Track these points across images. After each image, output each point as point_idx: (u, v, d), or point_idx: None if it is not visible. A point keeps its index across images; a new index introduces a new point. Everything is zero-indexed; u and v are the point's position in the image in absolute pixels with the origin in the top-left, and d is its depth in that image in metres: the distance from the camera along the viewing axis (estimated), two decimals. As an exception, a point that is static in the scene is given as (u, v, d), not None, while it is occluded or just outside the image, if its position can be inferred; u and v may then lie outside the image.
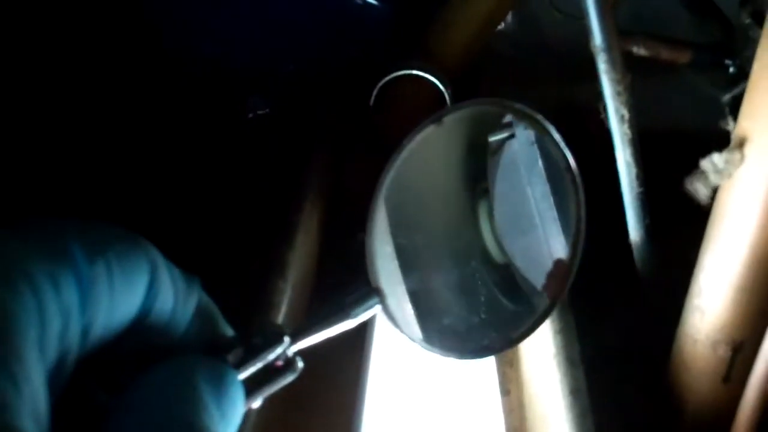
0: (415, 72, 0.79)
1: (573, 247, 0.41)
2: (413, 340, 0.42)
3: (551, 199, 0.44)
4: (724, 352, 0.52)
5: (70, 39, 0.76)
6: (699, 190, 0.52)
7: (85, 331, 0.27)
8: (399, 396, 0.62)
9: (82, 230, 0.28)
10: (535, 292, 0.44)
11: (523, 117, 0.43)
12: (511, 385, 0.63)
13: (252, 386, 0.34)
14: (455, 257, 0.47)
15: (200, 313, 0.33)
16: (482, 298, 0.46)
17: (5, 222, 0.26)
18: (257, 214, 0.70)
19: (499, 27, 0.91)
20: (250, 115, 0.84)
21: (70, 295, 0.26)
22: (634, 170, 0.56)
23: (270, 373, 0.35)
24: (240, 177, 0.76)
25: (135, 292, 0.29)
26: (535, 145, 0.44)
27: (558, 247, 0.43)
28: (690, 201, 0.53)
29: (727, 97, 0.62)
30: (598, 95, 0.60)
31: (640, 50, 0.71)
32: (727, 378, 0.53)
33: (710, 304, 0.53)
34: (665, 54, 0.71)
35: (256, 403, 0.35)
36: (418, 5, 0.86)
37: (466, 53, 0.82)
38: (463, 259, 0.47)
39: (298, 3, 0.83)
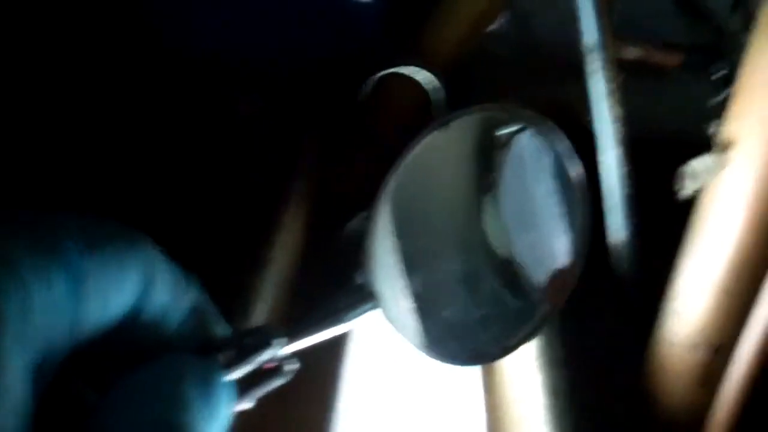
0: (405, 70, 0.78)
1: (577, 257, 0.41)
2: (411, 344, 0.42)
3: (556, 197, 0.43)
4: (701, 355, 0.52)
5: (63, 35, 0.75)
6: (686, 187, 0.52)
7: (74, 326, 0.26)
8: (378, 392, 0.62)
9: (78, 224, 0.27)
10: (536, 298, 0.43)
11: (532, 123, 0.43)
12: (490, 386, 0.63)
13: (243, 387, 0.34)
14: (458, 262, 0.47)
15: (195, 311, 0.32)
16: (483, 304, 0.46)
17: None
18: (244, 212, 0.70)
19: (491, 27, 0.90)
20: (242, 113, 0.83)
21: (59, 289, 0.25)
22: (623, 170, 0.56)
23: (262, 374, 0.35)
24: (229, 174, 0.76)
25: (129, 289, 0.28)
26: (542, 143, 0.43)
27: (561, 254, 0.42)
28: (672, 204, 0.53)
29: (715, 100, 0.62)
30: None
31: (631, 53, 0.71)
32: (703, 381, 0.52)
33: (688, 307, 0.52)
34: (656, 57, 0.71)
35: (247, 405, 0.35)
36: (411, 3, 0.85)
37: (458, 52, 0.82)
38: (466, 264, 0.47)
39: (290, 0, 0.83)
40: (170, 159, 0.75)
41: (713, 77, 0.66)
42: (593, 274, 0.61)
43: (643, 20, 0.75)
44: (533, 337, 0.43)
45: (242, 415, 0.51)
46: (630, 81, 0.56)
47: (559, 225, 0.44)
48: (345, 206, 0.64)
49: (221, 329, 0.34)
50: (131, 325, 0.29)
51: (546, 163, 0.44)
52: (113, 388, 0.28)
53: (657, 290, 0.55)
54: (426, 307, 0.44)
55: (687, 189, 0.52)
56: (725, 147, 0.50)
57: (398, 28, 0.84)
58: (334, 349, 0.62)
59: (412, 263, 0.44)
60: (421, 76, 0.78)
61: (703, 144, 0.52)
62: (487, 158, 0.47)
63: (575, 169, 0.41)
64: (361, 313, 0.39)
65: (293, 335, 0.36)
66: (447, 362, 0.43)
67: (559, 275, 0.43)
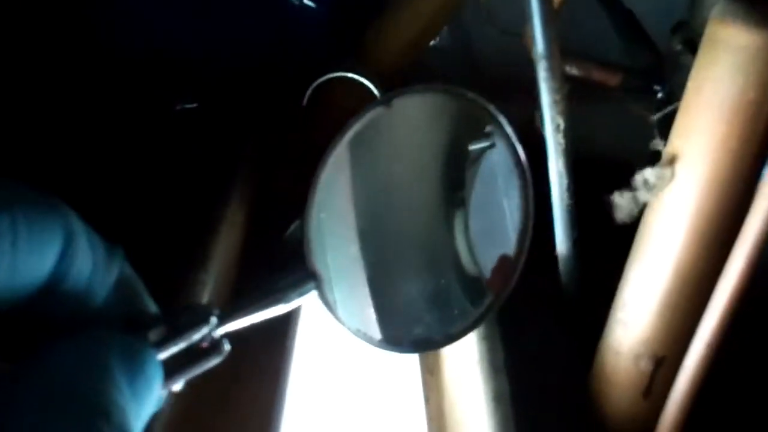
0: (349, 75, 0.78)
1: (519, 242, 0.41)
2: (349, 329, 0.41)
3: (514, 193, 0.43)
4: (645, 366, 0.52)
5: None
6: (622, 206, 0.53)
7: None
8: (319, 401, 0.60)
9: None
10: (480, 288, 0.43)
11: (475, 107, 0.42)
12: (431, 392, 0.62)
13: (173, 367, 0.32)
14: (408, 249, 0.46)
15: (121, 285, 0.31)
16: (429, 293, 0.45)
17: None
18: (182, 206, 0.68)
19: (433, 42, 0.91)
20: (178, 108, 0.82)
21: None
22: (565, 181, 0.56)
23: (194, 354, 0.33)
24: (165, 168, 0.74)
25: (45, 254, 0.27)
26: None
27: (505, 243, 0.42)
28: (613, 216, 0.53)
29: (657, 117, 0.63)
30: (534, 107, 0.60)
31: (572, 70, 0.72)
32: (647, 392, 0.53)
33: (634, 317, 0.53)
34: (596, 75, 0.72)
35: (177, 386, 0.33)
36: (355, 9, 0.85)
37: (400, 60, 0.82)
38: (415, 252, 0.46)
39: (237, 4, 0.81)
40: (108, 150, 0.73)
41: (653, 97, 0.67)
42: (537, 282, 0.61)
43: (584, 42, 0.76)
44: (476, 327, 0.43)
45: (175, 424, 0.49)
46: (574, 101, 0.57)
47: (510, 218, 0.44)
48: (286, 208, 0.63)
49: (150, 307, 0.33)
50: (52, 294, 0.27)
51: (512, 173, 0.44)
52: (29, 358, 0.26)
53: (603, 300, 0.55)
54: (370, 292, 0.43)
55: (625, 206, 0.53)
56: (670, 162, 0.51)
57: (342, 33, 0.84)
58: (275, 355, 0.60)
59: (360, 248, 0.43)
60: (363, 80, 0.77)
61: (642, 161, 0.53)
62: (457, 170, 0.47)
63: (518, 152, 0.41)
64: (299, 295, 0.38)
65: (228, 314, 0.35)
66: (389, 349, 0.43)
67: (503, 263, 0.43)
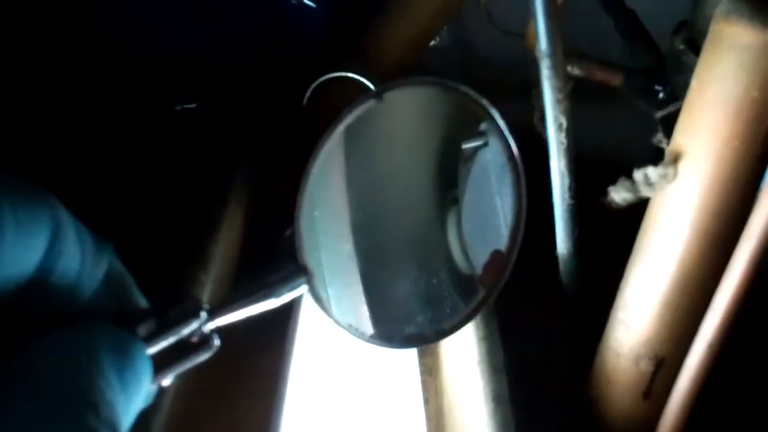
0: (349, 74, 0.77)
1: (512, 237, 0.41)
2: (340, 324, 0.40)
3: (507, 190, 0.43)
4: (646, 366, 0.52)
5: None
6: (619, 194, 0.52)
7: None
8: (318, 401, 0.60)
9: None
10: (472, 285, 0.43)
11: (468, 101, 0.42)
12: (429, 393, 0.62)
13: (163, 362, 0.32)
14: (401, 245, 0.46)
15: (111, 280, 0.31)
16: (422, 290, 0.45)
17: None
18: (182, 206, 0.68)
19: (434, 42, 0.91)
20: (177, 108, 0.81)
21: None
22: (567, 180, 0.55)
23: (184, 349, 0.33)
24: (164, 168, 0.74)
25: (33, 246, 0.26)
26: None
27: (497, 239, 0.42)
28: (616, 216, 0.53)
29: (660, 115, 0.63)
30: (533, 107, 0.60)
31: (574, 69, 0.72)
32: (648, 393, 0.53)
33: (635, 318, 0.52)
34: (598, 75, 0.72)
35: (167, 381, 0.33)
36: (354, 9, 0.85)
37: (400, 60, 0.82)
38: (408, 248, 0.46)
39: (235, 3, 0.81)
40: (104, 157, 0.73)
41: (656, 96, 0.67)
42: (538, 283, 0.61)
43: (586, 42, 0.76)
44: (468, 322, 0.43)
45: (175, 421, 0.49)
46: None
47: (503, 214, 0.43)
48: (285, 208, 0.63)
49: (140, 301, 0.33)
50: (40, 287, 0.27)
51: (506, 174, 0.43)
52: (17, 352, 0.26)
53: (604, 300, 0.55)
54: (363, 288, 0.43)
55: (621, 195, 0.52)
56: (673, 160, 0.50)
57: (341, 32, 0.83)
58: (274, 355, 0.60)
59: (353, 244, 0.43)
60: (363, 80, 0.77)
61: (644, 161, 0.53)
62: (451, 168, 0.46)
63: (511, 147, 0.41)
64: (290, 289, 0.37)
65: (218, 309, 0.35)
66: (381, 345, 0.42)
67: (495, 259, 0.43)
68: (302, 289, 0.38)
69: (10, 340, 0.27)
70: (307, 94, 0.78)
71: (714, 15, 0.48)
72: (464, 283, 0.44)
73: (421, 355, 0.64)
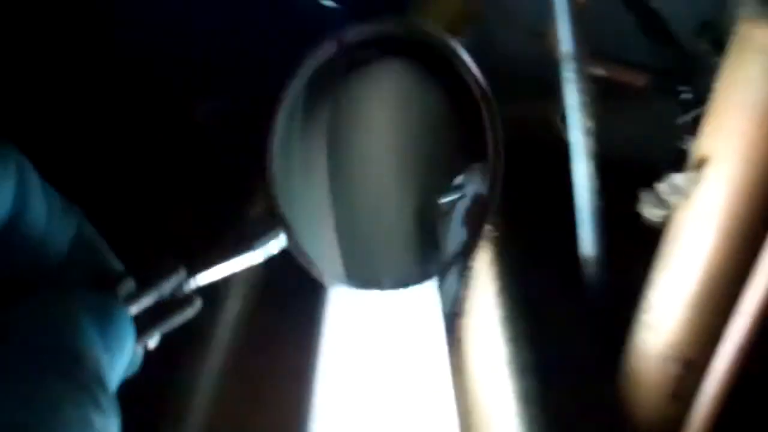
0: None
1: (492, 178, 0.41)
2: (326, 275, 0.40)
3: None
4: (674, 369, 0.52)
5: (20, 32, 0.73)
6: (653, 211, 0.52)
7: None
8: (348, 400, 0.61)
9: None
10: (457, 228, 0.43)
11: (430, 40, 0.42)
12: (459, 393, 0.62)
13: (146, 322, 0.32)
14: (385, 191, 0.46)
15: (83, 243, 0.30)
16: (407, 232, 0.45)
17: None
18: (203, 205, 0.68)
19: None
20: (197, 116, 0.82)
21: None
22: (594, 184, 0.56)
23: (166, 309, 0.33)
24: (186, 169, 0.74)
25: (2, 191, 0.26)
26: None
27: (478, 183, 0.42)
28: (641, 219, 0.53)
29: (684, 119, 0.63)
30: (555, 109, 0.60)
31: (598, 70, 0.72)
32: (675, 395, 0.53)
33: (661, 320, 0.53)
34: (623, 76, 0.72)
35: (152, 342, 0.32)
36: (377, 10, 0.85)
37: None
38: (393, 193, 0.46)
39: (256, 3, 0.81)
40: (120, 157, 0.74)
41: (680, 98, 0.67)
42: (565, 285, 0.61)
43: (611, 43, 0.76)
44: (452, 266, 0.43)
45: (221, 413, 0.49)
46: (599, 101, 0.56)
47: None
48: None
49: (115, 265, 0.32)
50: (8, 240, 0.27)
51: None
52: None
53: (631, 302, 0.55)
54: (349, 239, 0.43)
55: (655, 211, 0.52)
56: (699, 164, 0.50)
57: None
58: (308, 350, 0.60)
59: (330, 195, 0.43)
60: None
61: (668, 163, 0.53)
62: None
63: (479, 81, 0.41)
64: (269, 240, 0.37)
65: (197, 265, 0.34)
66: (364, 288, 0.42)
67: (477, 201, 0.43)
68: (281, 241, 0.38)
69: None
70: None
71: (740, 16, 0.47)
72: (445, 226, 0.45)
73: (451, 355, 0.64)
